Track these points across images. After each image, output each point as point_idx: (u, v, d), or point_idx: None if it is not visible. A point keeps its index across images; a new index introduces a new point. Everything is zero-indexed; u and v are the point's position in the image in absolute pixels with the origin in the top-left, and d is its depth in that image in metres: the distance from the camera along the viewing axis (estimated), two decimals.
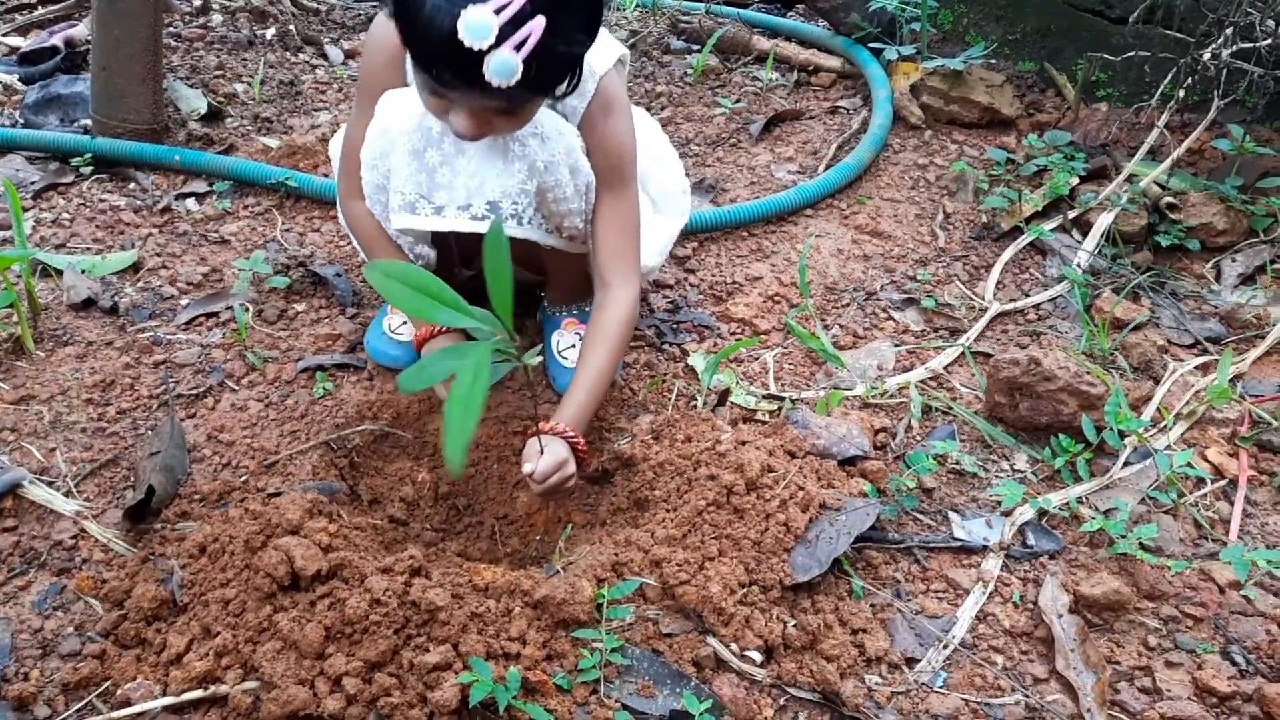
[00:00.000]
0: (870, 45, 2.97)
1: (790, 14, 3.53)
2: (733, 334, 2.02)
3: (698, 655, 1.34)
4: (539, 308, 1.97)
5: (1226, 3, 2.25)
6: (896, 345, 2.01)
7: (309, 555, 1.32)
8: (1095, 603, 1.48)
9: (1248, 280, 2.21)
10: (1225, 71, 2.24)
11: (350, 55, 3.10)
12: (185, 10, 3.21)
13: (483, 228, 1.58)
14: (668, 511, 1.50)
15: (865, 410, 1.81)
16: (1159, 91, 2.39)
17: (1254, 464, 1.76)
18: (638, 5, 3.31)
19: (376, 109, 1.61)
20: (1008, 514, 1.63)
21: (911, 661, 1.40)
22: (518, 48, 1.27)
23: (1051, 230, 2.33)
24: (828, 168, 2.57)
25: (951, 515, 1.64)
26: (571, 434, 1.56)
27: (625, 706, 1.28)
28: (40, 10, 3.15)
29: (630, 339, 1.80)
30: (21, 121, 2.52)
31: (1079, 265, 2.22)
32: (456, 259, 1.91)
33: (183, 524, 1.51)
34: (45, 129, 2.47)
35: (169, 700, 1.25)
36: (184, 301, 1.98)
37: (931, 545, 1.58)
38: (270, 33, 3.08)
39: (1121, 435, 1.72)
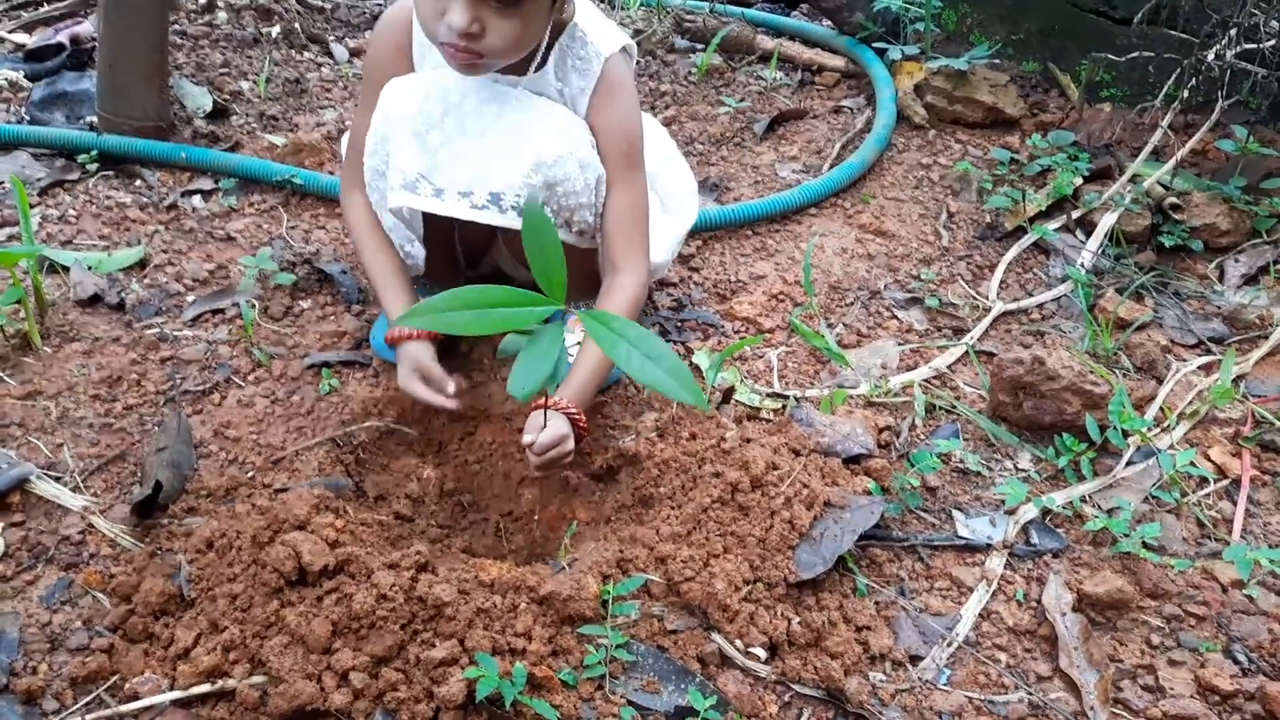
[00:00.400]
0: (874, 45, 2.97)
1: (794, 13, 3.53)
2: (737, 332, 2.03)
3: (702, 652, 1.35)
4: None
5: (1230, 3, 2.25)
6: (900, 344, 2.02)
7: (316, 550, 1.33)
8: (1098, 601, 1.48)
9: (1251, 281, 2.22)
10: (1229, 72, 2.24)
11: (355, 53, 3.10)
12: (191, 8, 3.21)
13: (481, 217, 1.57)
14: (673, 508, 1.51)
15: (869, 409, 1.82)
16: (1163, 92, 2.40)
17: (1256, 464, 1.76)
18: (642, 4, 3.32)
19: (381, 95, 1.61)
20: (1011, 512, 1.63)
21: (915, 659, 1.41)
22: None
23: (1055, 230, 2.34)
24: (832, 167, 2.57)
25: (955, 513, 1.64)
26: (574, 410, 1.55)
27: (630, 702, 1.28)
28: (46, 7, 3.15)
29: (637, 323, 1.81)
30: (28, 118, 2.53)
31: (1082, 265, 2.23)
32: (460, 259, 1.91)
33: (190, 519, 1.52)
34: (51, 126, 2.47)
35: (177, 694, 1.26)
36: (190, 298, 1.99)
37: (935, 543, 1.59)
38: (275, 30, 3.08)
39: (1125, 435, 1.73)
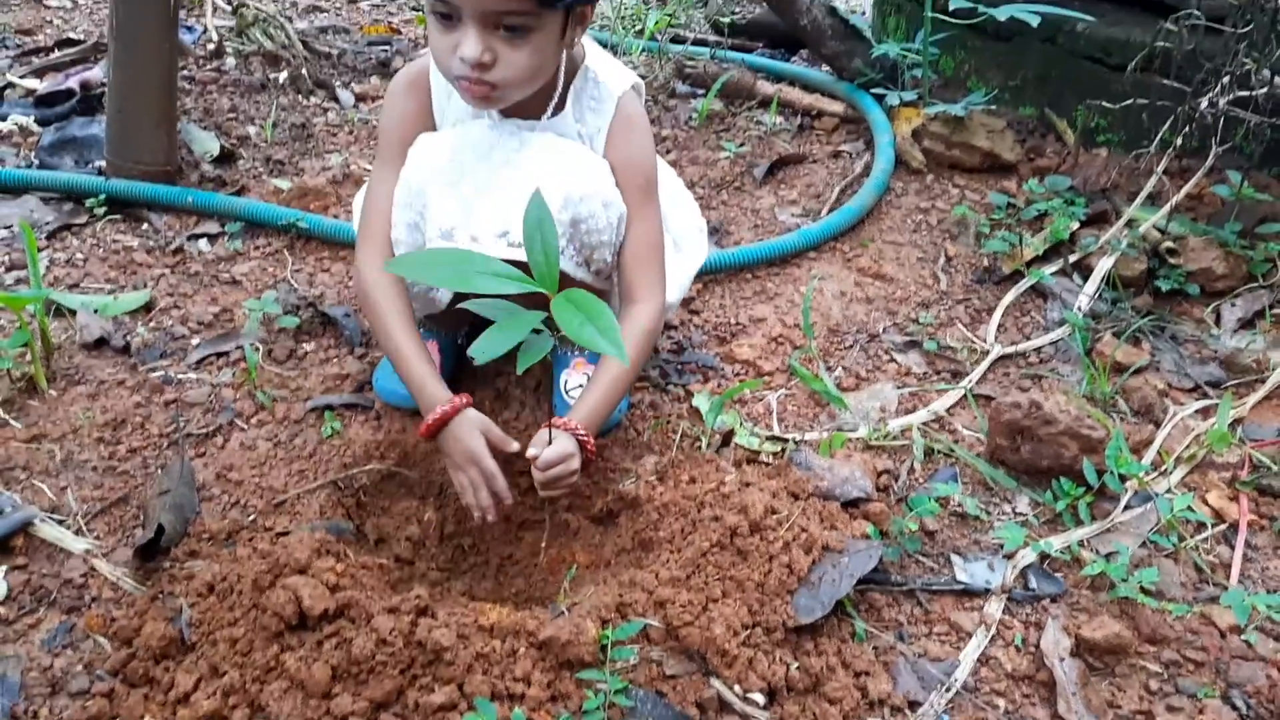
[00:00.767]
0: (873, 90, 3.01)
1: (794, 59, 3.58)
2: (737, 375, 2.04)
3: (701, 697, 1.35)
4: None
5: (1223, 52, 2.28)
6: (899, 387, 2.03)
7: (316, 594, 1.34)
8: (1097, 646, 1.48)
9: (1247, 325, 2.23)
10: (1223, 119, 2.27)
11: (361, 99, 3.15)
12: (199, 54, 3.27)
13: (519, 255, 1.56)
14: (672, 552, 1.51)
15: (868, 452, 1.83)
16: (1158, 138, 2.42)
17: (1254, 508, 1.77)
18: (643, 50, 3.36)
19: (410, 151, 1.63)
20: (1009, 557, 1.64)
21: (914, 704, 1.41)
22: None
23: (1052, 274, 2.36)
24: (830, 211, 2.60)
25: (954, 558, 1.65)
26: (582, 433, 1.55)
27: None
28: (57, 53, 3.21)
29: (650, 352, 1.81)
30: (37, 162, 2.57)
31: (1080, 309, 2.24)
32: None
33: (192, 562, 1.52)
34: (60, 170, 2.51)
35: None
36: (195, 341, 2.01)
37: (934, 588, 1.59)
38: (282, 76, 3.14)
39: (1122, 479, 1.73)
